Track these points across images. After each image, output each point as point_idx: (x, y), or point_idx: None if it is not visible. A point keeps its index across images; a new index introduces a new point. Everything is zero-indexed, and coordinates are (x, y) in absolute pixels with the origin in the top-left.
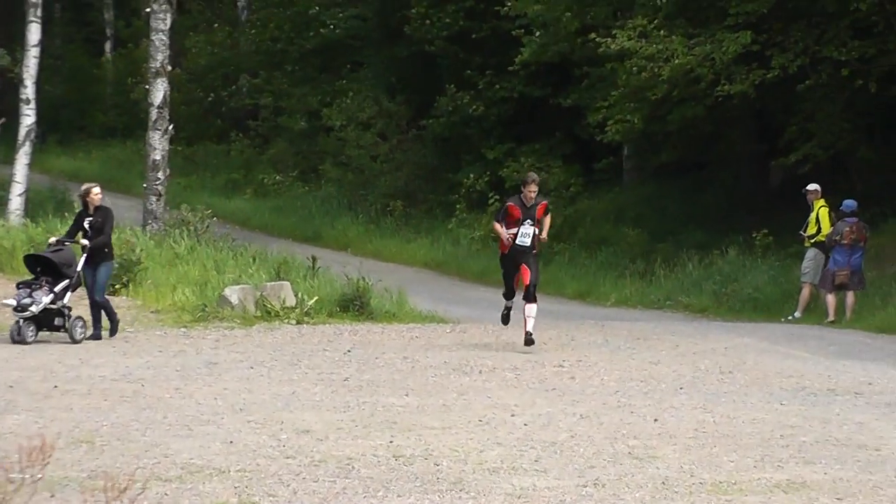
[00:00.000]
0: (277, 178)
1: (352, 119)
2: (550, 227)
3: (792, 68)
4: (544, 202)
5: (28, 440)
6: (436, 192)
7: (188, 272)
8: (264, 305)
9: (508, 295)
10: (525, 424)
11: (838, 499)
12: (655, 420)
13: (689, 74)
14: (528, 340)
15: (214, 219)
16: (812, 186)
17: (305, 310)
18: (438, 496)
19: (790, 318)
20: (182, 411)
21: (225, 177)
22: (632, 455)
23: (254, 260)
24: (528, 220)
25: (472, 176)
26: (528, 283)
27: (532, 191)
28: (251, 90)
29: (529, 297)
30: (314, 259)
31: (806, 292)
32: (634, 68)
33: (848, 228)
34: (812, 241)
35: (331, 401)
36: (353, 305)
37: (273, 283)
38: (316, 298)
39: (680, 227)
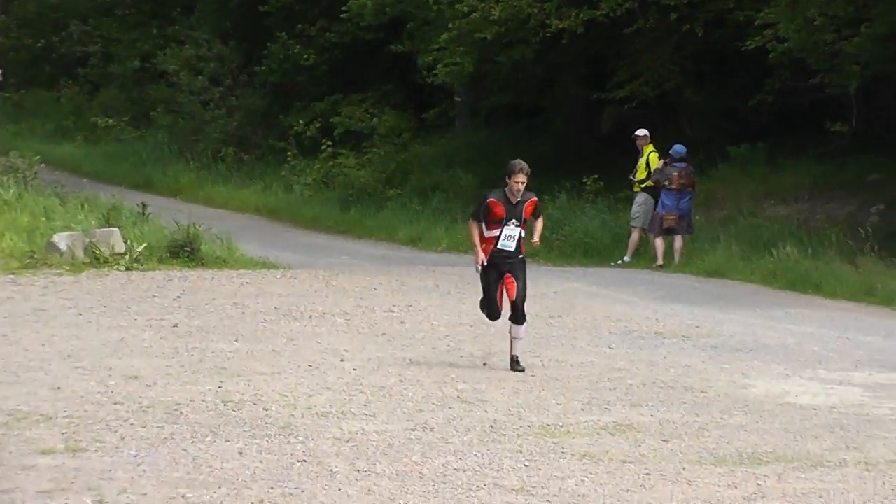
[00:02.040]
0: (110, 121)
1: (184, 65)
2: (543, 228)
3: (619, 11)
4: (534, 199)
5: None
6: (268, 138)
7: (16, 219)
8: (93, 252)
9: (492, 314)
10: (354, 369)
11: (664, 440)
12: (484, 364)
13: (520, 15)
14: (515, 366)
15: (43, 165)
16: (641, 132)
17: (135, 256)
18: (267, 441)
19: (619, 262)
20: (9, 358)
21: (55, 123)
22: (460, 399)
23: (83, 206)
24: (514, 221)
25: (302, 122)
26: (512, 298)
27: (519, 182)
28: (82, 36)
29: (516, 317)
30: (144, 205)
31: (635, 237)
32: (466, 8)
33: (677, 173)
34: (642, 186)
35: (160, 347)
36: (184, 252)
37: (102, 229)
38: (145, 245)
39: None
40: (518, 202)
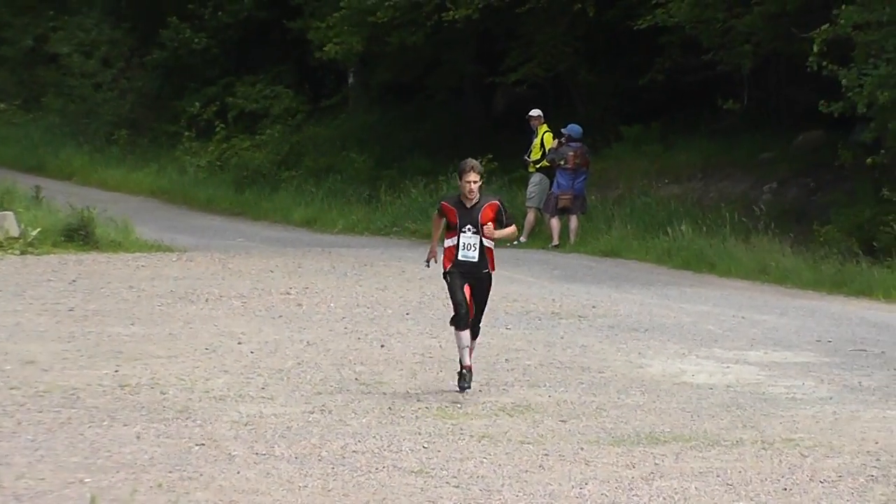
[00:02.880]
0: (1, 105)
1: (76, 47)
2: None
3: None
4: (495, 202)
5: None
6: (161, 120)
7: None
8: None
9: (460, 320)
10: (252, 352)
11: (562, 420)
12: (382, 346)
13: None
14: (464, 383)
15: None
16: (535, 112)
17: (29, 240)
18: (164, 425)
19: (516, 242)
20: None
21: None
22: (358, 381)
23: None
24: (469, 227)
25: (197, 104)
26: (470, 314)
27: (471, 182)
28: None
29: (472, 332)
30: (38, 189)
31: (531, 217)
32: None
33: (572, 153)
34: (536, 166)
35: (56, 331)
36: (78, 235)
37: None
38: (40, 229)
39: (405, 154)
40: (473, 206)
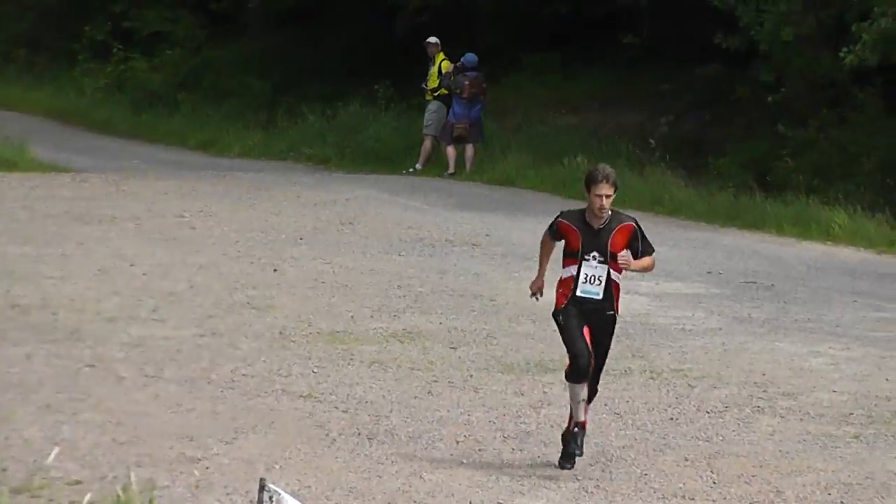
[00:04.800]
0: None
1: None
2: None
3: None
4: (630, 224)
5: None
6: (61, 40)
7: None
8: None
9: (580, 374)
10: (144, 274)
11: (452, 347)
12: (275, 270)
13: None
14: (572, 448)
15: None
16: (432, 39)
17: None
18: (55, 345)
19: (411, 170)
20: None
21: None
22: (250, 305)
23: None
24: (595, 255)
25: (97, 26)
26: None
27: (602, 197)
28: None
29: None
30: None
31: (427, 144)
32: None
33: (468, 82)
34: (434, 94)
35: None
36: None
37: None
38: None
39: (304, 79)
40: (602, 228)
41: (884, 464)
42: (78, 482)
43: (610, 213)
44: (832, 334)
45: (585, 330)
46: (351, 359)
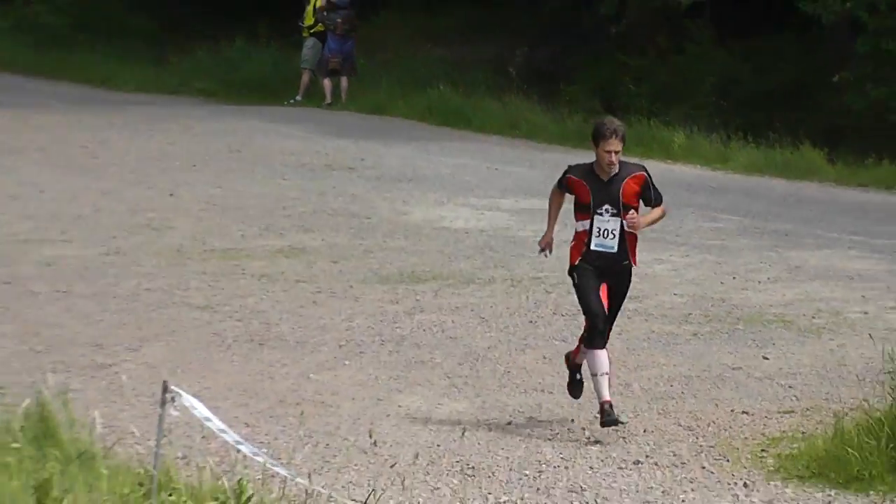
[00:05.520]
0: None
1: None
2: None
3: None
4: (639, 173)
5: None
6: None
7: None
8: None
9: (596, 337)
10: (52, 200)
11: (333, 262)
12: (171, 195)
13: None
14: (608, 418)
15: None
16: None
17: None
18: None
19: (292, 101)
20: None
21: None
22: (150, 226)
23: None
24: (607, 207)
25: None
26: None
27: (611, 152)
28: None
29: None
30: None
31: (305, 78)
32: None
33: (340, 20)
34: (311, 31)
35: None
36: None
37: None
38: None
39: (190, 18)
40: (612, 178)
41: (719, 358)
42: (2, 388)
43: (619, 165)
44: (673, 243)
45: (603, 288)
46: (242, 273)
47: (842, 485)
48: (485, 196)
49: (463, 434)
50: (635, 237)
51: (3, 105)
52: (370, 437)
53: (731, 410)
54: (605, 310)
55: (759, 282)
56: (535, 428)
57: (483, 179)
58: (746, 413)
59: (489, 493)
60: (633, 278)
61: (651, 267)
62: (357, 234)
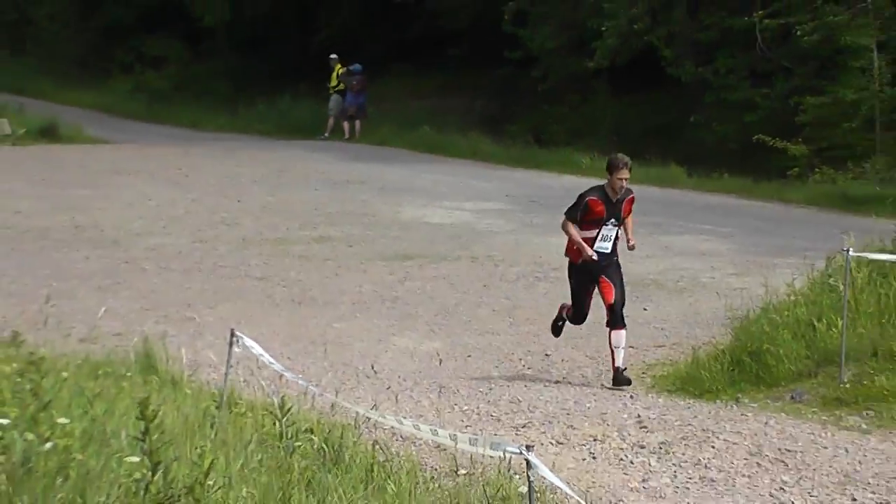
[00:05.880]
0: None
1: (47, 17)
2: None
3: None
4: (632, 195)
5: None
6: (101, 60)
7: None
8: None
9: (578, 318)
10: (157, 205)
11: (349, 246)
12: (238, 201)
13: None
14: (620, 378)
15: None
16: (333, 56)
17: (17, 136)
18: (103, 250)
19: (322, 137)
20: None
21: None
22: (223, 223)
23: None
24: (613, 220)
25: (122, 52)
26: (610, 302)
27: (622, 179)
28: None
29: (615, 321)
30: (21, 106)
31: (331, 121)
32: None
33: (355, 81)
34: (335, 89)
35: (33, 192)
36: (48, 133)
37: None
38: (24, 129)
39: (254, 81)
40: (618, 199)
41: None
42: (119, 334)
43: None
44: None
45: (603, 281)
46: (287, 255)
47: (697, 395)
48: (454, 201)
49: (439, 363)
50: (618, 238)
51: (126, 141)
52: (372, 367)
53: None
54: (588, 310)
55: (641, 257)
56: (488, 359)
57: (453, 189)
58: (632, 347)
59: (455, 404)
60: (555, 256)
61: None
62: (366, 227)
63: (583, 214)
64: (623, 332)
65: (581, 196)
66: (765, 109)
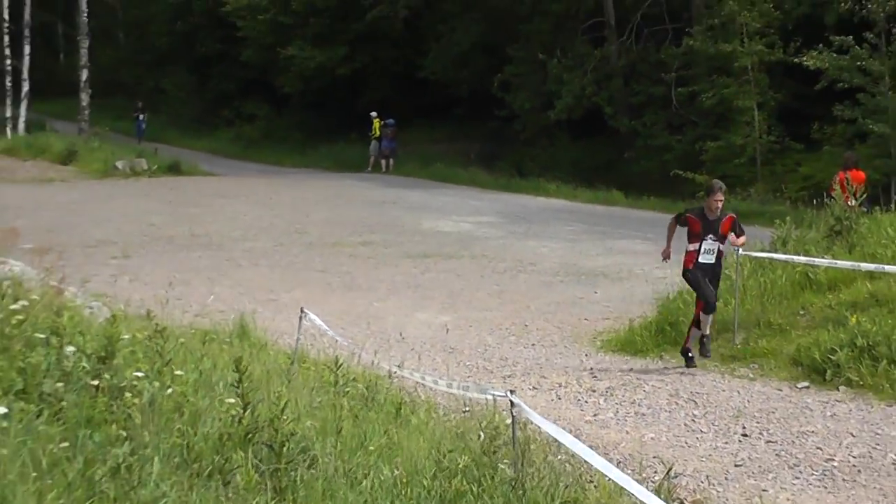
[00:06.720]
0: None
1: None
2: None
3: None
4: (732, 216)
5: None
6: (208, 117)
7: (98, 156)
8: (133, 169)
9: (709, 308)
10: (250, 219)
11: (385, 248)
12: (307, 216)
13: None
14: (688, 355)
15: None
16: (373, 113)
17: (152, 171)
18: (211, 251)
19: (366, 171)
20: (90, 214)
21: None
22: (296, 232)
23: (133, 150)
24: (711, 236)
25: (227, 111)
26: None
27: (718, 201)
28: None
29: (707, 308)
30: (156, 149)
31: (372, 159)
32: None
33: (389, 130)
34: (374, 137)
35: (162, 209)
36: (174, 168)
37: (138, 158)
38: (156, 166)
39: (320, 131)
40: (715, 219)
41: (573, 293)
42: (222, 311)
43: (720, 210)
44: (550, 238)
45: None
46: (340, 253)
47: (632, 354)
48: (459, 215)
49: (448, 332)
50: (722, 253)
51: (228, 174)
52: (401, 334)
53: (580, 318)
54: (714, 292)
55: (591, 255)
56: (483, 329)
57: (458, 207)
58: (587, 319)
59: (459, 361)
60: (532, 254)
61: (540, 248)
62: (397, 234)
63: (683, 226)
64: (711, 316)
65: (682, 212)
66: (678, 151)
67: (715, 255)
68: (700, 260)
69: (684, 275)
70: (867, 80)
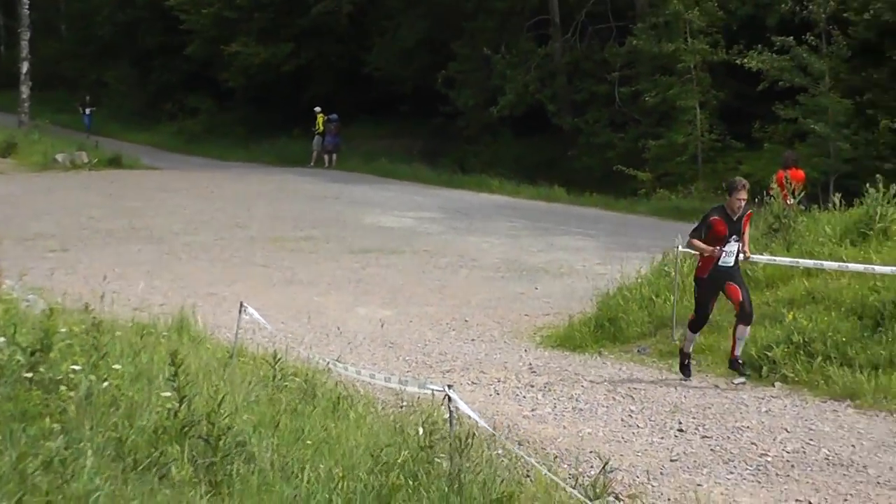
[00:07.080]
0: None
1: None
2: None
3: None
4: (749, 211)
5: None
6: (150, 111)
7: (37, 147)
8: (73, 162)
9: (697, 325)
10: (191, 213)
11: (327, 242)
12: (248, 210)
13: None
14: (735, 364)
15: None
16: (317, 108)
17: (93, 164)
18: (151, 245)
19: (308, 166)
20: (28, 207)
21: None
22: (238, 226)
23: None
24: (734, 236)
25: (169, 104)
26: (739, 300)
27: (741, 199)
28: None
29: (745, 318)
30: (97, 143)
31: (315, 154)
32: None
33: (333, 126)
34: (317, 132)
35: (101, 203)
36: (115, 162)
37: (78, 151)
38: (97, 159)
39: (262, 126)
40: (738, 217)
41: (514, 288)
42: (161, 304)
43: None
44: (492, 234)
45: (730, 286)
46: (282, 248)
47: (571, 349)
48: (401, 210)
49: (386, 326)
50: (740, 254)
51: (170, 168)
52: (339, 328)
53: (520, 314)
54: (710, 316)
55: (533, 251)
56: (424, 324)
57: (400, 202)
58: (527, 315)
59: (399, 356)
60: (474, 250)
61: (482, 244)
62: (339, 229)
63: (706, 232)
64: (748, 328)
65: (705, 217)
66: (621, 148)
67: (734, 256)
68: (720, 263)
69: (696, 281)
70: (808, 80)
